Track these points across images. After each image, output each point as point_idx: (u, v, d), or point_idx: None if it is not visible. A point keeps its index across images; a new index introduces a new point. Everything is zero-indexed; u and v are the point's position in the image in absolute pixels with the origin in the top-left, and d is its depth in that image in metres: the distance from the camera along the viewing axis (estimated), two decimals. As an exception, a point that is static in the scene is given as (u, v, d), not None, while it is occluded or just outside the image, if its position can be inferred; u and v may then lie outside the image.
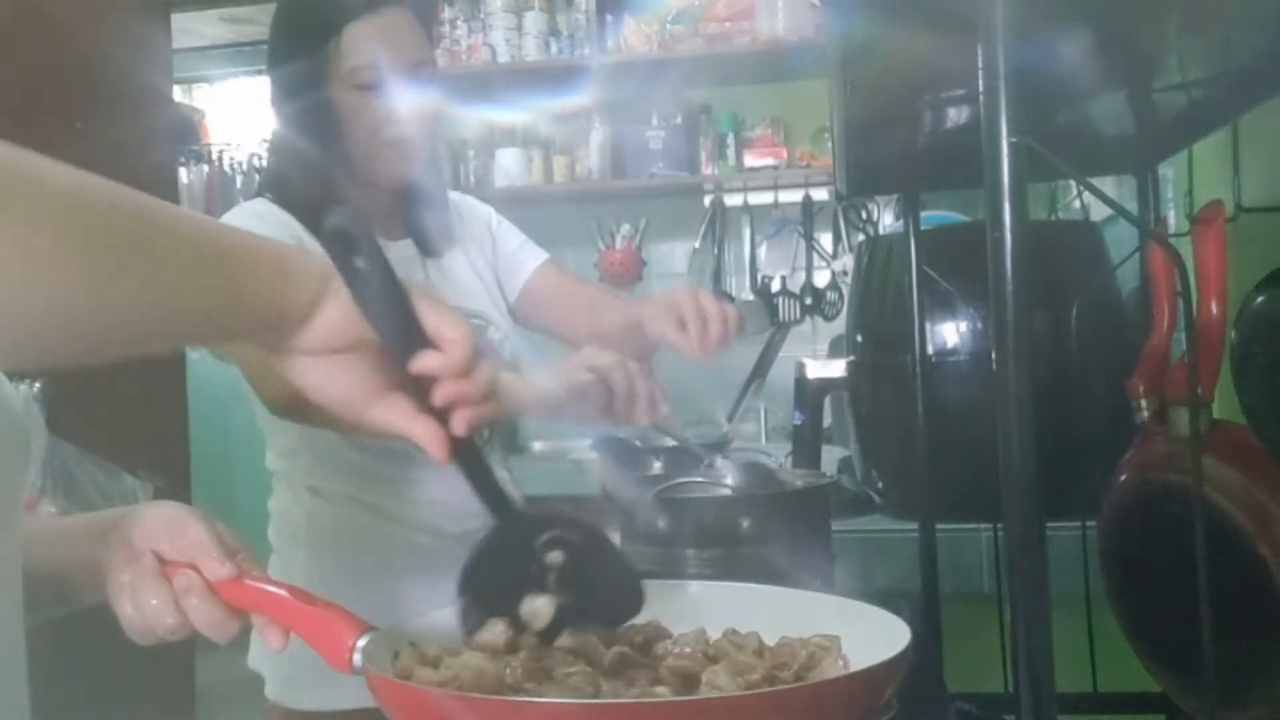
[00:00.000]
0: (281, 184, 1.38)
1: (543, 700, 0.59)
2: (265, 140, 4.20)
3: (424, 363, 0.61)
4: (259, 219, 1.33)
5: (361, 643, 0.64)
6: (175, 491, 2.28)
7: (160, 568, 0.71)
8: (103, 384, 2.05)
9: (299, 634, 0.67)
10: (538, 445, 3.26)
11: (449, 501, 1.42)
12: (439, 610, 0.71)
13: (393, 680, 0.62)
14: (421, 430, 0.62)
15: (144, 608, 0.70)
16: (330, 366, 0.62)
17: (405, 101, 1.36)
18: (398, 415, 0.63)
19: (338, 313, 0.61)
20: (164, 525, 0.72)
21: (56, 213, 0.52)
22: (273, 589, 0.69)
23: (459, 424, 0.62)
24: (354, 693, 1.41)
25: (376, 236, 0.62)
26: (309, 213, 1.34)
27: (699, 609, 0.76)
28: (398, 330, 0.61)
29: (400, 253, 1.45)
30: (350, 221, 0.59)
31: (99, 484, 2.16)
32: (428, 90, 1.39)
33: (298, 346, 0.62)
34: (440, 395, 0.62)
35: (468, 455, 0.65)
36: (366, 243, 0.59)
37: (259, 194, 1.40)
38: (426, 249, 1.48)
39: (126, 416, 2.24)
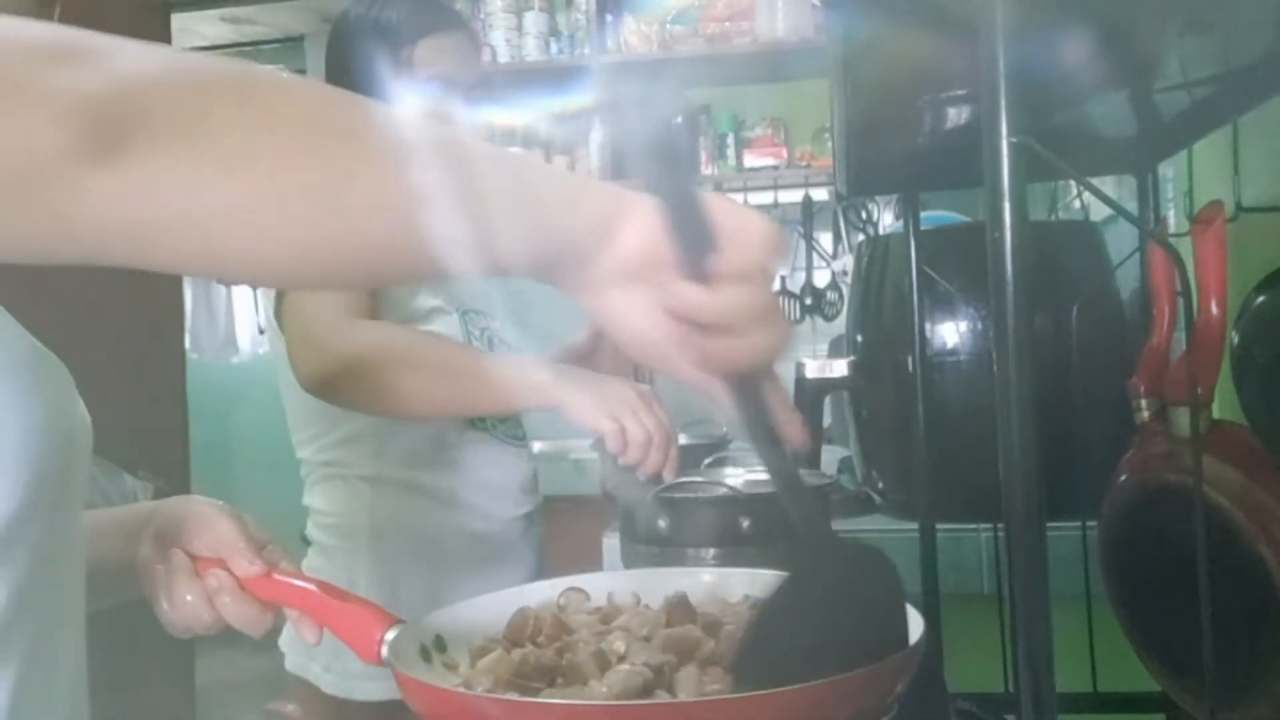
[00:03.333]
0: None
1: (563, 701, 0.60)
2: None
3: (711, 265, 0.52)
4: None
5: (389, 636, 0.65)
6: (175, 491, 2.28)
7: (192, 565, 0.72)
8: (103, 384, 2.05)
9: (329, 628, 0.68)
10: (538, 445, 3.26)
11: (504, 484, 1.47)
12: (469, 601, 0.72)
13: (415, 678, 0.62)
14: (691, 375, 0.55)
15: (179, 606, 0.71)
16: (633, 299, 0.55)
17: (464, 116, 1.44)
18: (683, 357, 0.55)
19: (638, 234, 0.54)
20: (194, 523, 0.73)
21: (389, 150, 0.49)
22: (302, 584, 0.70)
23: (711, 374, 0.55)
24: None
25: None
26: None
27: (716, 595, 0.77)
28: (695, 235, 0.53)
29: None
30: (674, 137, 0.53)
31: (99, 484, 2.16)
32: (482, 109, 1.47)
33: (595, 276, 0.55)
34: (690, 316, 0.53)
35: (747, 410, 0.56)
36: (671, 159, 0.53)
37: None
38: None
39: (126, 416, 2.24)
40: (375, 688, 1.34)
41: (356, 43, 1.46)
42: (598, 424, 1.16)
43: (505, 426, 1.48)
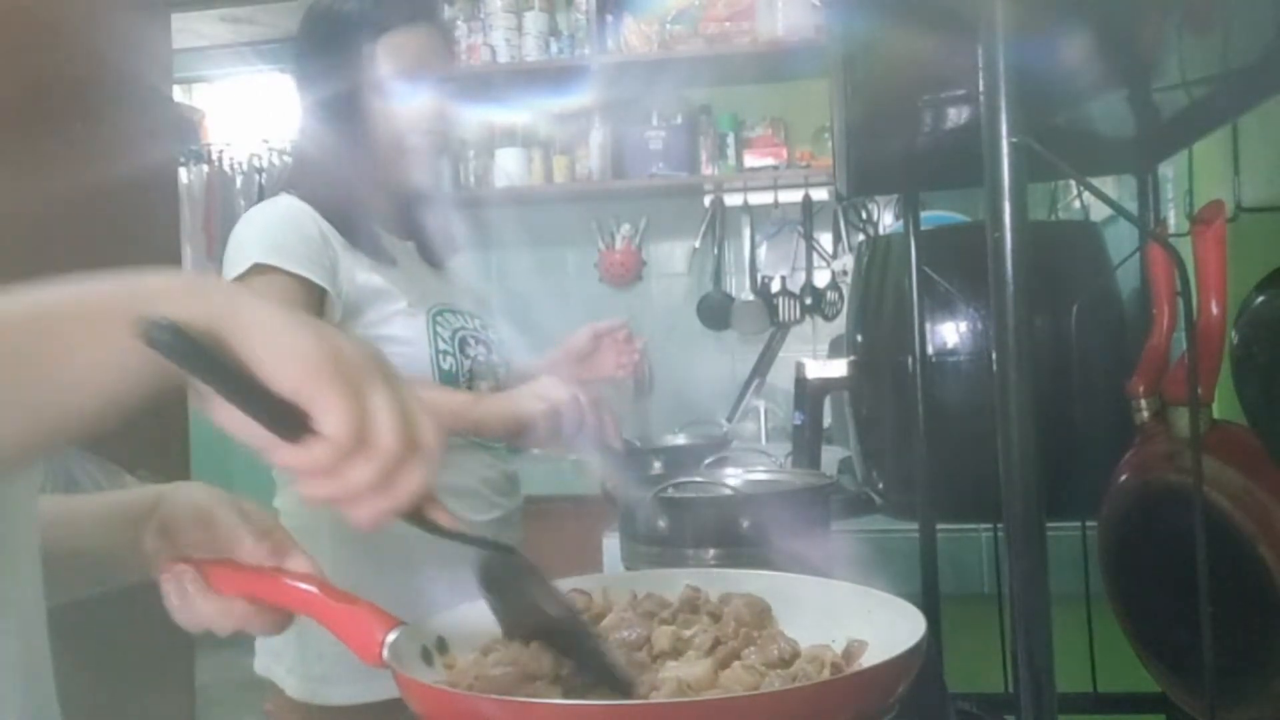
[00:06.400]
0: (305, 182, 1.42)
1: (565, 702, 0.60)
2: (266, 140, 4.22)
3: (282, 458, 0.54)
4: (289, 213, 1.37)
5: (390, 638, 0.65)
6: (175, 491, 2.27)
7: (203, 579, 0.71)
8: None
9: (330, 629, 0.68)
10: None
11: (475, 488, 1.46)
12: (468, 603, 0.72)
13: (415, 679, 0.62)
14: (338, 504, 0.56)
15: (198, 616, 0.71)
16: (234, 410, 0.54)
17: (430, 111, 1.42)
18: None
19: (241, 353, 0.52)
20: (193, 516, 0.72)
21: None
22: (304, 586, 0.70)
23: (355, 517, 0.56)
24: (388, 683, 1.42)
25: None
26: (332, 210, 1.38)
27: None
28: (256, 415, 0.53)
29: (406, 253, 1.49)
30: (163, 334, 0.50)
31: (99, 484, 2.16)
32: (450, 104, 1.46)
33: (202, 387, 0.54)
34: (307, 491, 0.55)
35: (414, 520, 0.61)
36: (185, 351, 0.51)
37: (284, 190, 1.44)
38: (428, 256, 1.53)
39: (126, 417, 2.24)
40: (337, 692, 1.33)
41: (322, 38, 1.45)
42: (525, 409, 1.21)
43: None
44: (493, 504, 1.48)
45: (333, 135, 1.42)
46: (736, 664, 0.65)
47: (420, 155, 1.47)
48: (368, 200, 1.45)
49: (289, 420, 0.53)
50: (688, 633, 0.71)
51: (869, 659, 0.66)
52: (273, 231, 1.35)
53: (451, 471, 1.43)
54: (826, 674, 0.63)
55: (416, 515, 0.60)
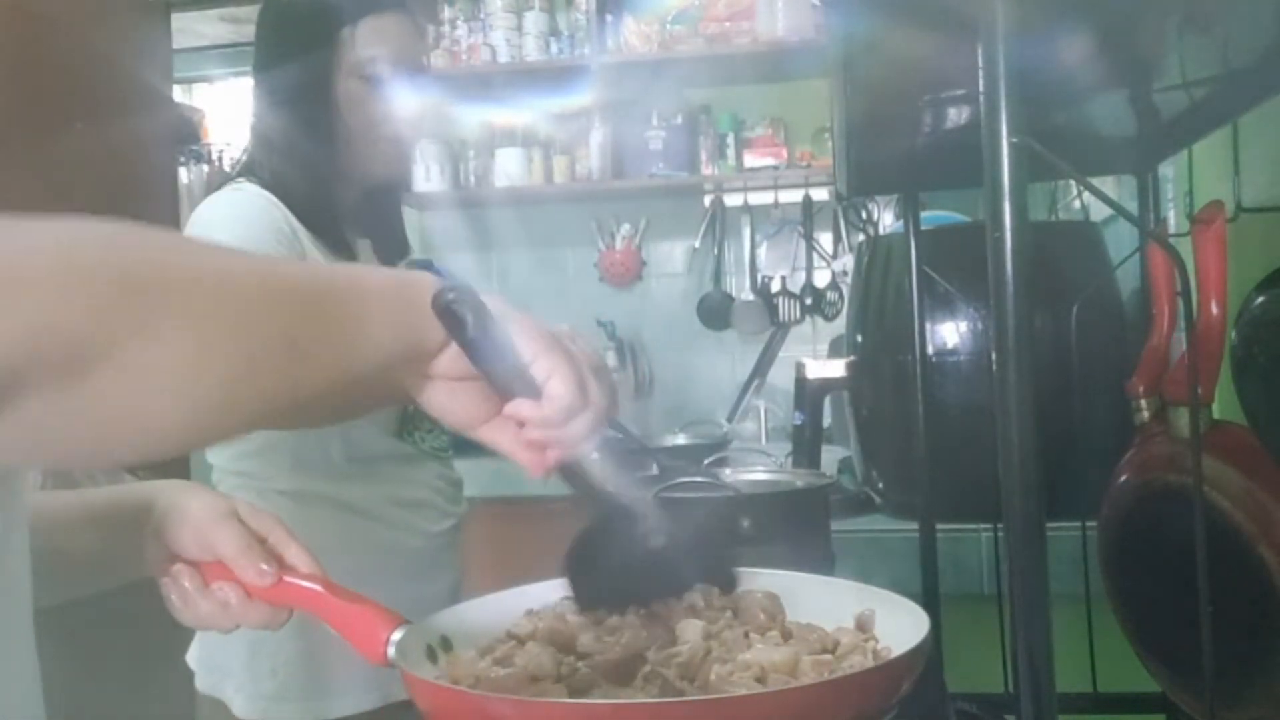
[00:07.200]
0: (268, 169, 1.39)
1: (570, 701, 0.60)
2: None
3: (517, 412, 0.64)
4: (257, 203, 1.34)
5: (396, 636, 0.65)
6: (175, 491, 2.27)
7: (200, 578, 0.72)
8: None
9: (334, 628, 0.68)
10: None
11: (428, 499, 1.44)
12: (475, 600, 0.73)
13: (425, 680, 0.63)
14: (523, 458, 0.67)
15: (197, 615, 0.73)
16: (453, 390, 0.65)
17: (404, 101, 1.39)
18: (505, 439, 0.67)
19: (452, 356, 0.63)
20: (192, 534, 0.73)
21: (219, 301, 0.52)
22: (307, 585, 0.70)
23: (545, 463, 0.67)
24: (342, 701, 1.38)
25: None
26: (296, 200, 1.35)
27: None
28: (504, 378, 0.63)
29: (364, 250, 1.46)
30: (458, 297, 0.61)
31: (98, 484, 2.16)
32: (424, 95, 1.43)
33: (427, 373, 0.65)
34: (528, 438, 0.65)
35: (568, 474, 0.68)
36: (474, 314, 0.61)
37: (244, 176, 1.41)
38: (383, 255, 1.50)
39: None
40: (288, 710, 1.30)
41: (293, 23, 1.42)
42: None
43: (431, 438, 1.45)
44: (445, 513, 1.46)
45: (300, 121, 1.37)
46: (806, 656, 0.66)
47: (389, 147, 1.43)
48: (332, 192, 1.41)
49: (525, 383, 0.63)
50: (715, 626, 0.71)
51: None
52: (244, 222, 1.31)
53: (405, 484, 1.40)
54: (871, 663, 0.64)
55: (576, 472, 0.68)
